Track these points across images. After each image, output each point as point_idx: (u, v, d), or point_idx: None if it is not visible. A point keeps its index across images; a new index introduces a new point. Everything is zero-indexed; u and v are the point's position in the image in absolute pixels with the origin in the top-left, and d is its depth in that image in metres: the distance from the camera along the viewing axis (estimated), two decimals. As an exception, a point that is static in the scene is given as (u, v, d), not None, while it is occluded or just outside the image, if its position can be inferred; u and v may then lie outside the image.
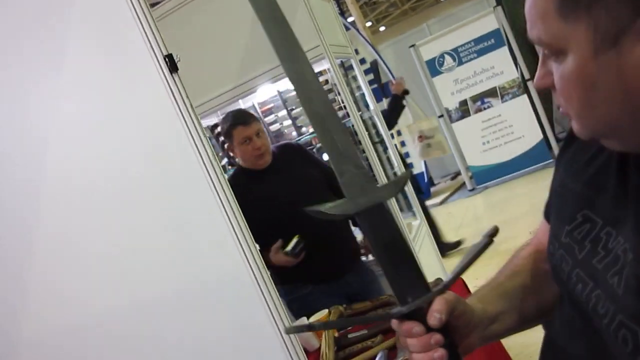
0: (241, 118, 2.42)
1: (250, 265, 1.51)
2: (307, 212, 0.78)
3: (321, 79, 3.07)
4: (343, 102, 2.94)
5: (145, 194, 1.58)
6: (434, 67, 6.98)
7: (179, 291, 1.59)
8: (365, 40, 7.00)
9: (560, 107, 0.66)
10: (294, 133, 3.24)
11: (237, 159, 2.58)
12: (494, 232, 0.82)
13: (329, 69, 2.94)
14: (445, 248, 4.75)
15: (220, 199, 1.49)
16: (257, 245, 1.62)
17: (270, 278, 1.52)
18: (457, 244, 4.99)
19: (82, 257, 1.68)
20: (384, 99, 6.80)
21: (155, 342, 1.68)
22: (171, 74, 1.42)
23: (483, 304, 0.85)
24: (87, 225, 1.63)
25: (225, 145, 2.50)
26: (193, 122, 1.45)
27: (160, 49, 1.41)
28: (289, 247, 2.21)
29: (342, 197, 0.77)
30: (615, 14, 0.53)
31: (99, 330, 1.71)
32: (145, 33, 1.41)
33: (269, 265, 2.17)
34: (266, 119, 3.26)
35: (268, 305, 1.54)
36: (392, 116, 4.71)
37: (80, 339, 1.74)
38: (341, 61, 3.29)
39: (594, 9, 0.54)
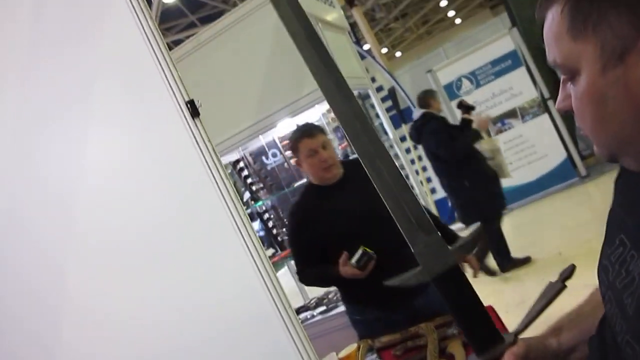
0: (307, 131, 2.37)
1: (276, 304, 1.51)
2: (386, 283, 0.92)
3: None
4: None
5: (169, 239, 1.60)
6: (452, 90, 6.98)
7: (209, 338, 1.60)
8: (382, 67, 7.06)
9: (581, 129, 0.69)
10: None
11: (306, 175, 2.54)
12: (569, 273, 0.89)
13: (347, 101, 2.96)
14: (513, 263, 4.50)
15: (242, 236, 1.50)
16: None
17: (298, 321, 1.52)
18: (526, 259, 4.61)
19: (108, 313, 1.70)
20: (403, 125, 6.82)
21: None
22: (193, 119, 1.45)
23: (559, 337, 0.88)
24: (115, 275, 1.66)
25: (293, 160, 2.45)
26: (215, 165, 1.48)
27: (182, 95, 1.45)
28: (354, 259, 2.14)
29: None
30: (620, 33, 0.57)
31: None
32: (168, 80, 1.45)
33: (340, 280, 2.20)
34: (287, 153, 3.28)
35: (292, 337, 1.54)
36: (466, 144, 4.24)
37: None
38: (359, 92, 3.32)
39: (599, 29, 0.59)
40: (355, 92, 3.16)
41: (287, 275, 3.80)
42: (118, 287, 1.71)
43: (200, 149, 1.46)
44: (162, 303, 1.64)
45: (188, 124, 1.45)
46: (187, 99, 1.45)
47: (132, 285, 1.69)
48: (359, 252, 2.13)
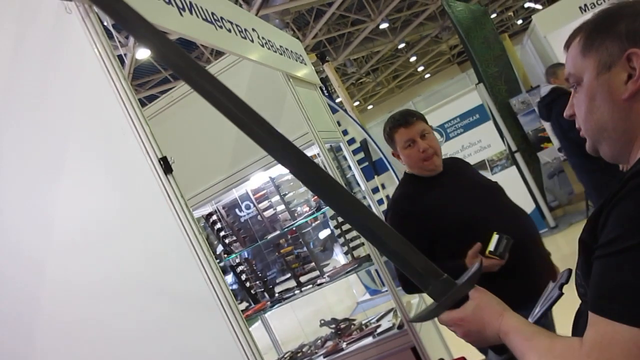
0: (402, 119, 2.16)
1: (246, 354, 1.50)
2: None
3: (312, 163, 3.14)
4: (335, 185, 3.00)
5: (141, 293, 1.59)
6: (422, 142, 7.14)
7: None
8: (354, 120, 7.19)
9: (579, 129, 0.98)
10: (289, 216, 3.28)
11: (406, 168, 2.28)
12: (566, 279, 1.10)
13: (318, 154, 3.02)
14: None
15: (215, 291, 1.51)
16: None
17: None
18: None
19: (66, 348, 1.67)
20: (375, 177, 6.91)
21: None
22: (166, 175, 1.47)
23: None
24: (85, 329, 1.64)
25: (391, 152, 2.30)
26: (188, 220, 1.49)
27: (155, 152, 1.47)
28: (491, 247, 1.85)
29: None
30: (611, 52, 0.88)
31: None
32: (141, 138, 1.47)
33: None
34: (260, 205, 3.31)
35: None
36: None
37: None
38: (330, 145, 3.38)
39: (600, 49, 0.89)
40: (327, 145, 3.23)
41: (260, 329, 3.74)
42: (88, 346, 1.68)
43: (173, 204, 1.48)
44: (128, 347, 1.62)
45: (161, 180, 1.47)
46: (160, 155, 1.48)
47: (102, 344, 1.67)
48: (495, 238, 1.87)
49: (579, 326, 1.02)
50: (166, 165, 1.47)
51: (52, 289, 1.66)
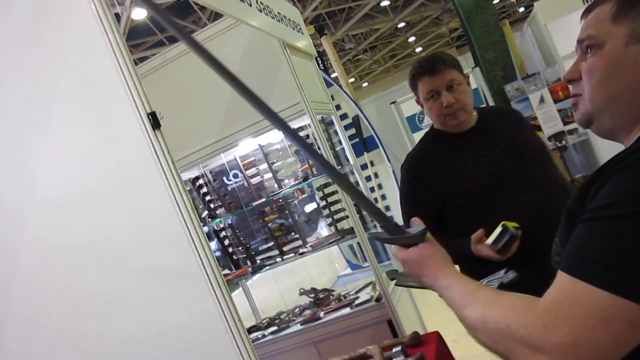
0: (428, 65, 1.86)
1: (226, 318, 1.52)
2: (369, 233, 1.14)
3: (302, 133, 3.15)
4: (323, 157, 3.01)
5: (122, 250, 1.60)
6: (414, 123, 7.16)
7: (157, 341, 1.59)
8: (348, 96, 7.16)
9: (573, 97, 0.95)
10: (275, 186, 3.30)
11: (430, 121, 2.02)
12: (510, 281, 1.17)
13: (309, 124, 3.02)
14: None
15: (198, 252, 1.52)
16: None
17: (244, 329, 1.53)
18: None
19: (47, 313, 1.69)
20: (365, 154, 6.93)
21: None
22: (154, 130, 1.47)
23: None
24: (64, 277, 1.64)
25: (415, 99, 1.99)
26: (174, 178, 1.49)
27: (145, 107, 1.47)
28: (490, 239, 1.67)
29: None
30: None
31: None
32: (130, 91, 1.47)
33: (464, 258, 1.71)
34: (247, 172, 3.31)
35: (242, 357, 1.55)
36: None
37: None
38: (322, 117, 3.38)
39: (636, 19, 0.85)
40: (319, 117, 3.22)
41: (241, 296, 3.78)
42: (68, 298, 1.69)
43: (160, 160, 1.48)
44: (111, 316, 1.63)
45: (149, 135, 1.47)
46: (149, 110, 1.47)
47: (81, 297, 1.67)
48: (498, 230, 1.66)
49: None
50: (154, 121, 1.46)
51: (34, 246, 1.66)
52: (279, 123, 1.04)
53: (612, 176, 0.76)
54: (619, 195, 0.73)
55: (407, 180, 1.97)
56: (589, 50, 0.90)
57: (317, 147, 3.14)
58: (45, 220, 1.66)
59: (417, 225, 1.09)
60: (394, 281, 1.20)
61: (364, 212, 3.84)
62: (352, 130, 6.89)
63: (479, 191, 1.80)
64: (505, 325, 0.78)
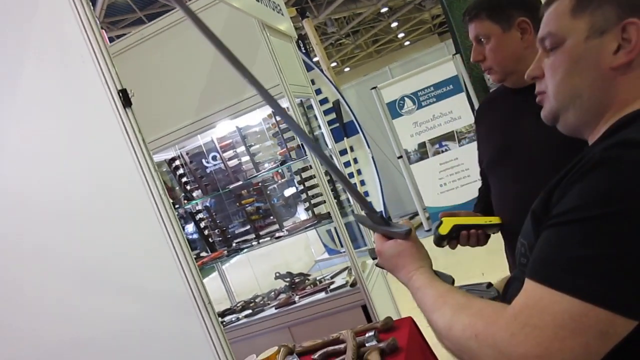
0: (468, 7, 1.60)
1: (197, 305, 1.50)
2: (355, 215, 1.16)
3: (280, 118, 3.11)
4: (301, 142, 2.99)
5: (92, 223, 1.56)
6: (395, 109, 7.15)
7: (123, 330, 1.57)
8: (329, 80, 7.13)
9: (538, 94, 0.95)
10: (253, 169, 3.26)
11: None
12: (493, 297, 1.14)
13: (288, 107, 2.99)
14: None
15: (168, 233, 1.49)
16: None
17: (215, 311, 1.51)
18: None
19: (18, 283, 1.65)
20: (345, 139, 6.91)
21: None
22: (124, 108, 1.43)
23: None
24: (26, 255, 1.61)
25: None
26: (144, 156, 1.46)
27: (115, 84, 1.43)
28: (436, 232, 1.54)
29: None
30: (607, 17, 0.82)
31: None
32: (101, 67, 1.42)
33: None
34: (225, 154, 3.27)
35: (212, 340, 1.53)
36: None
37: None
38: (301, 100, 3.35)
39: (595, 12, 0.83)
40: (298, 100, 3.19)
41: (216, 280, 3.75)
42: (34, 283, 1.65)
43: (130, 138, 1.45)
44: (73, 288, 1.60)
45: (119, 112, 1.43)
46: (119, 87, 1.43)
47: (49, 280, 1.64)
48: (448, 227, 1.54)
49: (509, 294, 1.00)
50: (125, 98, 1.42)
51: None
52: (268, 96, 1.05)
53: (576, 180, 0.74)
54: (584, 199, 0.71)
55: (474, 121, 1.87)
56: (550, 46, 0.89)
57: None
58: (8, 192, 1.61)
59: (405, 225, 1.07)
60: (375, 260, 1.18)
61: (342, 198, 3.83)
62: (333, 115, 6.86)
63: (485, 165, 1.70)
64: (472, 334, 0.76)
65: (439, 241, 1.54)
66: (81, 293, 1.62)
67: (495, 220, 1.59)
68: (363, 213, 1.12)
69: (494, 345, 0.72)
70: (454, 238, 1.55)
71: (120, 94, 1.42)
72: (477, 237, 1.58)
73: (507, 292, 1.03)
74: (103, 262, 1.61)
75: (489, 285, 1.22)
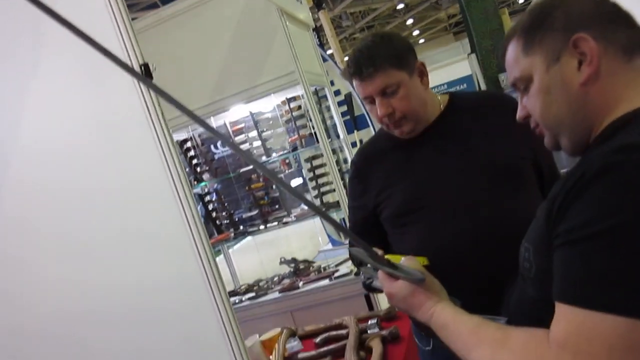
0: (354, 66, 1.46)
1: (205, 271, 1.53)
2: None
3: (294, 104, 3.13)
4: (314, 128, 3.01)
5: (108, 197, 1.59)
6: (406, 105, 7.15)
7: (132, 296, 1.60)
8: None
9: (536, 128, 0.94)
10: (264, 156, 3.29)
11: None
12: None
13: (302, 95, 3.01)
14: None
15: (183, 208, 1.51)
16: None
17: (224, 287, 1.54)
18: None
19: (31, 258, 1.68)
20: (355, 132, 6.91)
21: (101, 347, 1.67)
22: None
23: None
24: (41, 226, 1.64)
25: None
26: (163, 131, 1.48)
27: (137, 57, 1.45)
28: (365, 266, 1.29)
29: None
30: (554, 43, 0.85)
31: (43, 334, 1.69)
32: (124, 41, 1.45)
33: None
34: (237, 138, 3.29)
35: (220, 314, 1.56)
36: None
37: (24, 341, 1.71)
38: (315, 88, 3.36)
39: (543, 43, 0.86)
40: (312, 88, 3.21)
41: (222, 263, 3.78)
42: (52, 254, 1.68)
43: (150, 112, 1.47)
44: (94, 266, 1.63)
45: (140, 87, 1.45)
46: (141, 61, 1.46)
47: (66, 252, 1.66)
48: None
49: (512, 304, 0.99)
50: (147, 72, 1.45)
51: (14, 183, 1.64)
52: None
53: (580, 191, 0.72)
54: (596, 210, 0.69)
55: (350, 176, 1.71)
56: (523, 87, 0.92)
57: (308, 119, 3.13)
58: (31, 169, 1.64)
59: (412, 265, 1.02)
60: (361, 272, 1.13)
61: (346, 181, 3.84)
62: (344, 108, 6.86)
63: (397, 211, 1.53)
64: None
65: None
66: (98, 269, 1.65)
67: (423, 260, 1.30)
68: (362, 253, 1.03)
69: None
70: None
71: (142, 68, 1.44)
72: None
73: (509, 302, 1.01)
74: (115, 235, 1.64)
75: (509, 322, 1.05)
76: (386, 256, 1.30)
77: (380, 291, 1.10)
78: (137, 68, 1.45)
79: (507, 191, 1.43)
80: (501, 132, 1.48)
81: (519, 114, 0.96)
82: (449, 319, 0.91)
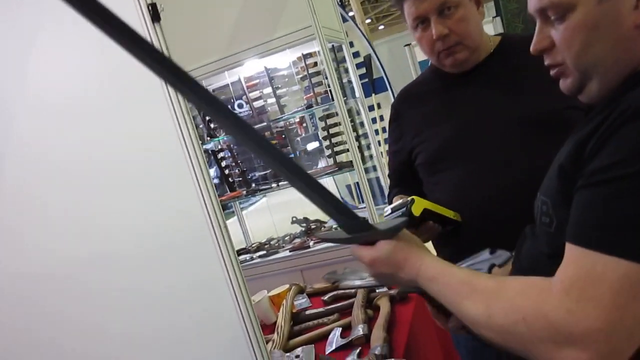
0: None
1: (213, 228, 1.50)
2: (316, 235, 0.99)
3: (310, 60, 3.05)
4: (329, 86, 2.93)
5: (113, 155, 1.55)
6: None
7: (140, 247, 1.58)
8: (362, 33, 6.98)
9: (552, 68, 0.84)
10: (278, 112, 3.23)
11: None
12: (502, 262, 1.01)
13: (319, 51, 2.93)
14: None
15: (188, 152, 1.47)
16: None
17: (232, 241, 1.51)
18: None
19: (46, 205, 1.66)
20: (372, 95, 6.81)
21: (114, 294, 1.66)
22: (153, 23, 1.40)
23: None
24: (52, 176, 1.61)
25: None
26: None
27: (145, -3, 1.39)
28: (406, 211, 1.31)
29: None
30: None
31: (59, 280, 1.69)
32: (131, -21, 1.39)
33: None
34: (251, 94, 3.24)
35: (227, 271, 1.53)
36: None
37: (39, 288, 1.71)
38: (332, 45, 3.28)
39: None
40: (329, 45, 3.12)
41: (235, 224, 3.78)
42: (56, 187, 1.65)
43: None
44: (101, 219, 1.60)
45: (147, 27, 1.40)
46: (149, 1, 1.40)
47: (71, 187, 1.64)
48: (398, 202, 1.35)
49: (523, 254, 0.95)
50: (154, 13, 1.39)
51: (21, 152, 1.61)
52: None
53: (612, 132, 0.67)
54: (625, 153, 0.65)
55: (390, 119, 1.65)
56: (556, 16, 0.79)
57: (324, 76, 3.05)
58: (36, 123, 1.60)
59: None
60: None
61: (364, 149, 3.78)
62: (363, 70, 6.74)
63: (431, 157, 1.47)
64: (519, 318, 0.69)
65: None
66: (97, 211, 1.63)
67: (457, 217, 1.40)
68: (330, 232, 0.96)
69: (549, 326, 0.65)
70: (417, 223, 1.34)
71: (150, 8, 1.39)
72: (432, 231, 1.39)
73: (520, 253, 0.96)
74: (122, 186, 1.61)
75: (492, 250, 1.05)
76: (449, 211, 1.37)
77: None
78: (144, 8, 1.39)
79: (550, 144, 1.22)
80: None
81: (538, 45, 0.83)
82: (437, 270, 0.85)
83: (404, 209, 1.31)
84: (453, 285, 0.81)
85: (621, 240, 0.63)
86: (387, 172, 1.83)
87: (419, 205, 1.32)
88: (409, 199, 1.33)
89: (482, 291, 0.76)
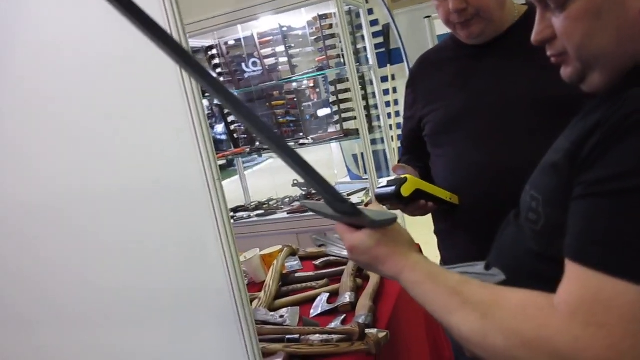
0: None
1: (206, 176, 1.47)
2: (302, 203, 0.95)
3: (325, 22, 2.98)
4: (343, 51, 2.87)
5: (113, 101, 1.52)
6: (445, 43, 6.89)
7: (131, 189, 1.56)
8: (383, 1, 6.84)
9: (554, 57, 0.78)
10: (289, 71, 3.18)
11: None
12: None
13: (334, 13, 2.86)
14: None
15: (191, 110, 1.44)
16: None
17: (223, 190, 1.48)
18: None
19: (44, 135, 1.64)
20: (388, 66, 6.71)
21: (99, 233, 1.66)
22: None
23: None
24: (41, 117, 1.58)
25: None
26: (179, 33, 1.38)
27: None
28: (396, 190, 1.30)
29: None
30: None
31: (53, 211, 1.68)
32: None
33: None
34: (263, 51, 3.18)
35: (217, 224, 1.52)
36: None
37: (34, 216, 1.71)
38: (350, 8, 3.20)
39: None
40: (346, 8, 3.05)
41: (236, 182, 3.76)
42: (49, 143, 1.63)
43: (167, 13, 1.36)
44: (95, 182, 1.58)
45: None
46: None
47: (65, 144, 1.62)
48: (394, 177, 1.34)
49: (503, 244, 0.91)
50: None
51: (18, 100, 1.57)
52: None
53: (619, 138, 0.62)
54: (634, 162, 0.59)
55: (406, 84, 1.63)
56: (556, 4, 0.73)
57: (339, 40, 2.98)
58: (31, 65, 1.57)
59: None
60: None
61: (373, 116, 3.73)
62: (380, 39, 6.63)
63: (436, 128, 1.45)
64: (519, 342, 0.63)
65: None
66: (91, 167, 1.61)
67: (454, 199, 1.37)
68: (317, 203, 0.89)
69: (554, 353, 0.60)
70: (406, 203, 1.32)
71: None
72: (424, 209, 1.37)
73: (502, 235, 0.92)
74: (118, 137, 1.58)
75: (488, 266, 0.96)
76: (445, 192, 1.34)
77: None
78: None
79: (560, 129, 1.12)
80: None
81: (539, 36, 0.78)
82: (424, 274, 0.79)
83: (394, 187, 1.29)
84: (441, 294, 0.75)
85: (629, 261, 0.58)
86: (394, 145, 1.83)
87: (410, 185, 1.29)
88: (403, 177, 1.31)
89: (475, 305, 0.70)
